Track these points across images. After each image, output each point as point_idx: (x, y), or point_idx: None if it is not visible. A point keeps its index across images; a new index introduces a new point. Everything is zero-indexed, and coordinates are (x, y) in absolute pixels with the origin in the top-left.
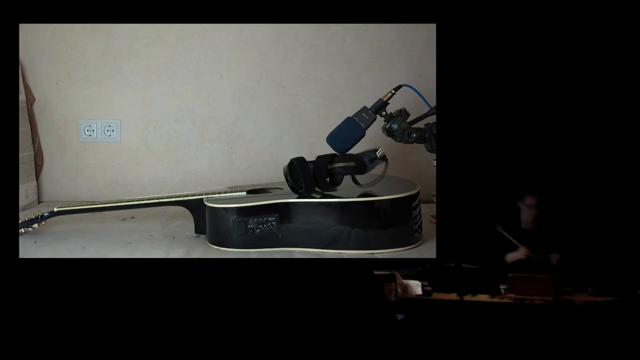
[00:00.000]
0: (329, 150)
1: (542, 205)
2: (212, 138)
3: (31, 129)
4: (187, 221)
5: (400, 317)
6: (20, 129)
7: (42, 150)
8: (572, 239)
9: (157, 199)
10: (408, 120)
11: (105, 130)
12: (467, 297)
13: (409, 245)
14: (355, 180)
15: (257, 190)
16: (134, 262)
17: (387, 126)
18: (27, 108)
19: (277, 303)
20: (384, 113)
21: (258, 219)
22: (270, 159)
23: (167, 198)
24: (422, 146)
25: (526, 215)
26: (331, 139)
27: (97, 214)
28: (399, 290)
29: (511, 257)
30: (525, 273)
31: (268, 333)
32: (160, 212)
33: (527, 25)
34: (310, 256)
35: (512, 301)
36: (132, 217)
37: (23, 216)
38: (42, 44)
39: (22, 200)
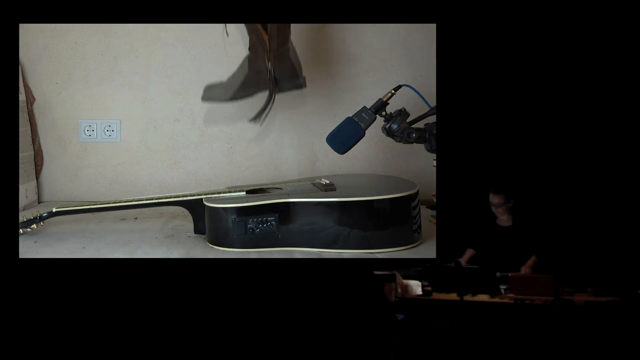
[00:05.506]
0: (329, 150)
1: (510, 201)
2: (212, 138)
3: (31, 129)
4: (187, 221)
5: (400, 317)
6: (20, 129)
7: (42, 150)
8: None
9: (156, 199)
10: (408, 120)
11: (105, 130)
12: (467, 297)
13: (409, 245)
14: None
15: (256, 190)
16: (134, 262)
17: (387, 126)
18: (27, 108)
19: (277, 303)
20: (383, 113)
21: (258, 218)
22: (270, 159)
23: (166, 198)
24: (422, 146)
25: (496, 213)
26: (331, 139)
27: (97, 213)
28: (399, 290)
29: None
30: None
31: (268, 333)
32: (160, 212)
33: (526, 26)
34: (310, 256)
35: (512, 301)
36: (136, 218)
37: (22, 217)
38: (42, 44)
39: (22, 200)
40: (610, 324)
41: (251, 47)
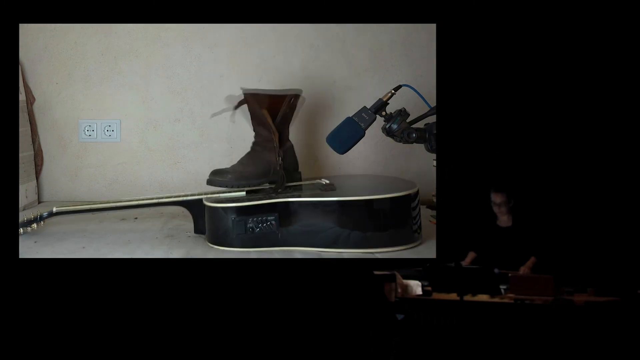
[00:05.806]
0: (329, 150)
1: (511, 201)
2: (212, 138)
3: (31, 129)
4: (187, 221)
5: (400, 317)
6: (20, 129)
7: (42, 150)
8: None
9: (156, 199)
10: (408, 120)
11: (105, 130)
12: (467, 297)
13: (409, 244)
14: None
15: (256, 190)
16: (134, 262)
17: (387, 126)
18: (27, 108)
19: (277, 303)
20: (383, 113)
21: (257, 218)
22: None
23: (166, 198)
24: (422, 146)
25: (497, 213)
26: (331, 139)
27: (97, 214)
28: (399, 290)
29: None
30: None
31: (268, 333)
32: (160, 212)
33: (526, 25)
34: (310, 256)
35: (512, 301)
36: (136, 218)
37: (22, 216)
38: (42, 44)
39: (22, 200)
40: (610, 324)
41: (259, 143)
